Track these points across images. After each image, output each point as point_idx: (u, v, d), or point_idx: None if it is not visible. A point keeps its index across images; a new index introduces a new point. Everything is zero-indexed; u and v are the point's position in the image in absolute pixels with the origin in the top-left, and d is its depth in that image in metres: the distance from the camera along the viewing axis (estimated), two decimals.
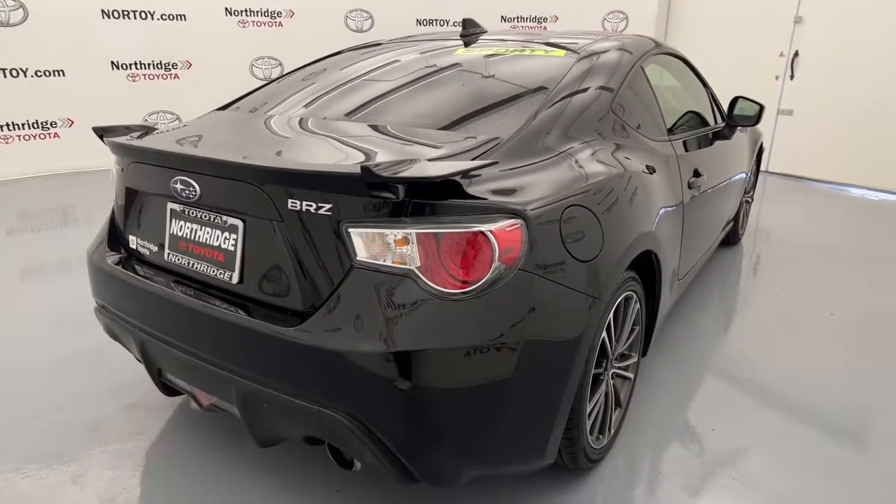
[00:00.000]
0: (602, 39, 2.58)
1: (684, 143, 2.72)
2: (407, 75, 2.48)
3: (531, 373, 1.62)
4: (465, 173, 1.55)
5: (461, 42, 2.74)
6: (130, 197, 2.07)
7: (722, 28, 6.99)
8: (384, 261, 1.54)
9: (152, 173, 1.93)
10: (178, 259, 1.92)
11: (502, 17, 8.39)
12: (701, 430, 2.34)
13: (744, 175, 3.97)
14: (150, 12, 7.20)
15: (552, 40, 2.61)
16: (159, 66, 7.48)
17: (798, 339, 3.13)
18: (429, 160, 1.68)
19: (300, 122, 2.23)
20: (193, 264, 1.89)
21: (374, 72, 2.61)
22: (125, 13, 7.06)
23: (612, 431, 2.17)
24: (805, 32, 6.34)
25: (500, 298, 1.53)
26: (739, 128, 3.56)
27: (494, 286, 1.52)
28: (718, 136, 3.25)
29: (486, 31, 2.91)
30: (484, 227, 1.51)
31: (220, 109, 2.65)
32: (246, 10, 7.61)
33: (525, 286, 1.56)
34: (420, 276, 1.51)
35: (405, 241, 1.51)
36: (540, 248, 1.58)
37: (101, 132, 2.20)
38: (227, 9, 7.55)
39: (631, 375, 2.31)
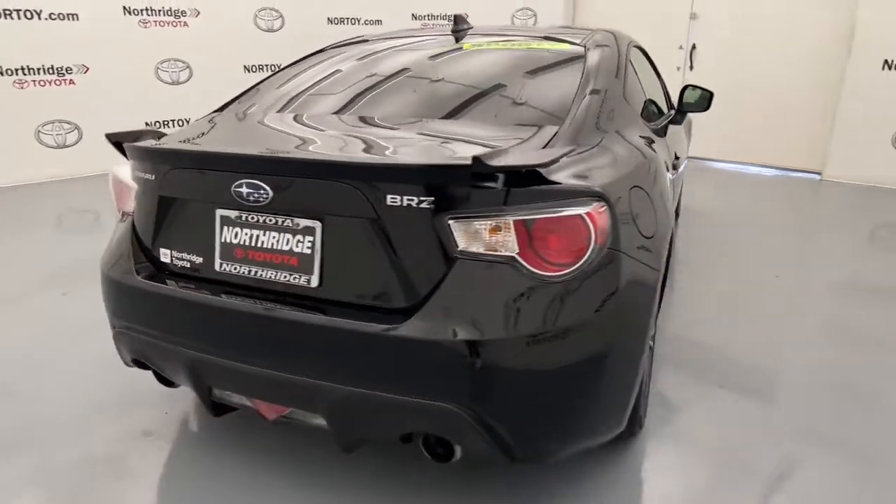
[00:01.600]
0: (590, 33, 2.73)
1: (661, 128, 2.96)
2: (435, 71, 2.50)
3: (620, 345, 1.75)
4: (558, 160, 1.62)
5: (460, 37, 2.78)
6: (164, 207, 1.94)
7: (624, 24, 7.44)
8: (485, 249, 1.58)
9: (202, 179, 1.84)
10: (235, 268, 1.83)
11: (413, 14, 8.49)
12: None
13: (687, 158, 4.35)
14: (36, 11, 6.63)
15: (548, 34, 2.74)
16: (50, 70, 6.91)
17: (752, 298, 3.52)
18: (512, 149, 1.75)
19: (353, 120, 2.19)
20: (256, 272, 1.80)
21: (401, 70, 2.59)
22: (6, 13, 6.46)
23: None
24: (700, 27, 6.96)
25: (596, 278, 1.63)
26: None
27: (591, 266, 1.61)
28: (673, 121, 3.55)
29: (472, 28, 2.99)
30: (581, 210, 1.59)
31: (219, 110, 2.55)
32: (147, 9, 7.18)
33: (613, 264, 1.67)
34: (521, 261, 1.58)
35: (504, 228, 1.57)
36: (620, 228, 1.69)
37: (117, 139, 2.03)
38: (125, 7, 7.09)
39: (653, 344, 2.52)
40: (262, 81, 2.77)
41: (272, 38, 7.80)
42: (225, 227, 1.83)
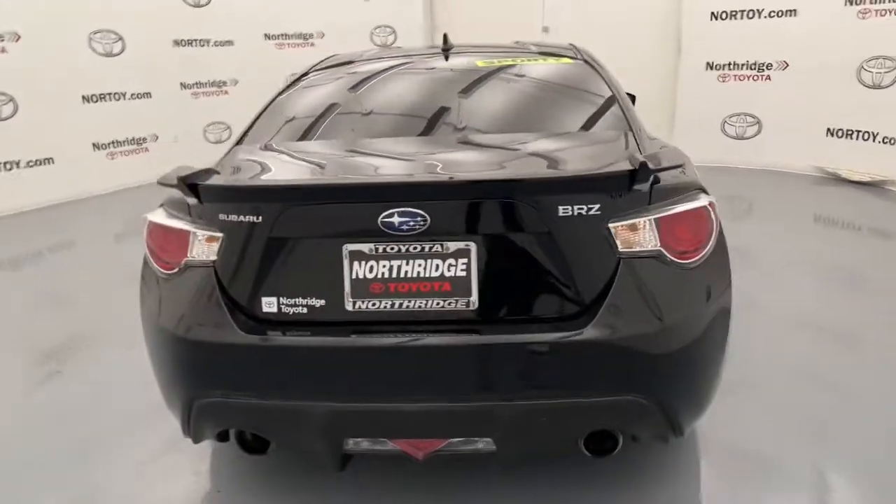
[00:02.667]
0: (570, 46, 3.03)
1: None
2: (479, 88, 2.57)
3: (728, 320, 1.94)
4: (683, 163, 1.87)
5: (448, 55, 2.90)
6: (272, 251, 1.77)
7: (482, 39, 8.04)
8: (638, 248, 1.73)
9: (331, 214, 1.75)
10: (372, 305, 1.74)
11: (265, 34, 8.27)
12: None
13: None
14: None
15: (542, 50, 2.95)
16: None
17: None
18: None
19: (452, 140, 2.25)
20: (401, 304, 1.73)
21: (446, 88, 2.65)
22: None
23: None
24: (552, 40, 7.70)
25: (716, 259, 1.86)
26: None
27: (713, 250, 1.83)
28: None
29: (454, 46, 3.06)
30: (705, 202, 1.83)
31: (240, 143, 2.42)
32: None
33: (722, 246, 1.90)
34: (665, 253, 1.75)
35: (651, 225, 1.74)
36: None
37: (193, 181, 1.75)
38: None
39: None
40: (262, 113, 2.60)
41: (112, 62, 7.09)
42: (356, 263, 1.73)
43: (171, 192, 1.94)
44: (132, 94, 7.32)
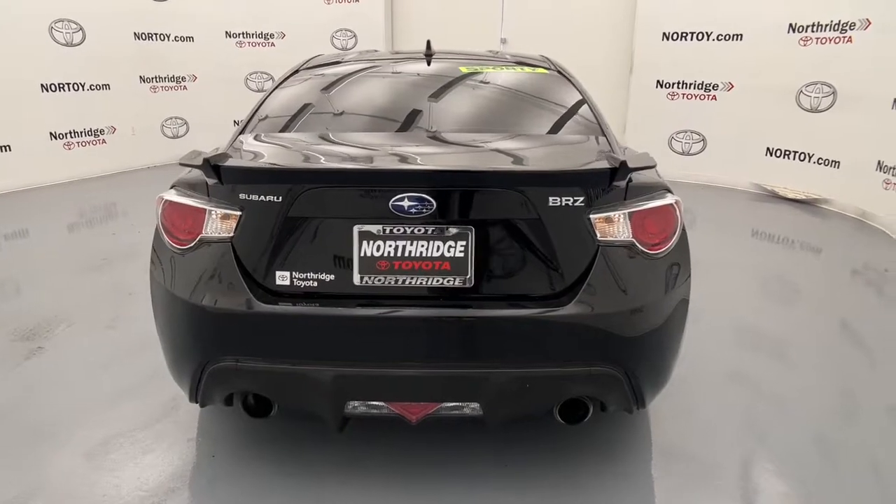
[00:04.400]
0: (542, 57, 3.23)
1: None
2: (463, 91, 2.78)
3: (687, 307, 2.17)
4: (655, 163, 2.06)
5: (430, 60, 3.04)
6: (288, 228, 1.93)
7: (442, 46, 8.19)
8: (613, 237, 1.95)
9: (344, 196, 1.92)
10: (378, 280, 1.91)
11: (226, 32, 8.26)
12: None
13: None
14: None
15: (519, 60, 3.13)
16: None
17: None
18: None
19: (447, 137, 2.40)
20: (404, 280, 1.91)
21: (438, 90, 2.78)
22: None
23: None
24: (509, 51, 7.88)
25: (680, 253, 2.09)
26: None
27: (677, 242, 2.06)
28: None
29: (436, 52, 3.20)
30: (671, 200, 2.05)
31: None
32: None
33: (684, 239, 2.12)
34: (637, 244, 1.98)
35: (625, 218, 1.96)
36: None
37: (216, 162, 1.92)
38: None
39: None
40: (261, 105, 2.72)
41: (74, 52, 7.02)
42: (364, 242, 1.90)
43: (182, 173, 2.16)
44: (91, 86, 7.27)
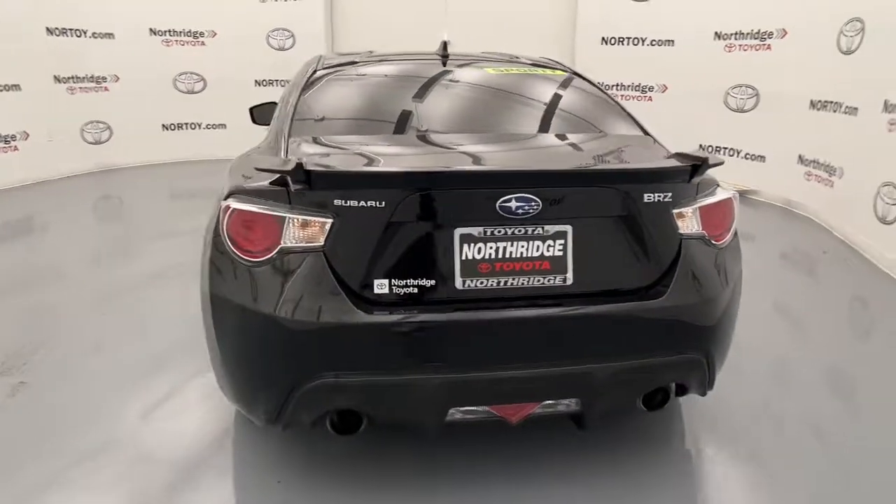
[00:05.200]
0: (549, 59, 3.35)
1: None
2: (508, 92, 2.81)
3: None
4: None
5: (445, 61, 3.06)
6: (388, 235, 1.86)
7: (382, 49, 8.13)
8: (690, 230, 2.08)
9: (449, 199, 1.90)
10: (480, 283, 1.90)
11: (151, 29, 7.72)
12: None
13: None
14: None
15: (534, 62, 3.23)
16: None
17: None
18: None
19: (510, 137, 2.45)
20: (506, 282, 1.91)
21: (470, 90, 2.83)
22: None
23: None
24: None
25: (736, 243, 2.28)
26: None
27: (734, 234, 2.24)
28: None
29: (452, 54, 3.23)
30: (731, 194, 2.21)
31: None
32: None
33: (736, 233, 2.30)
34: (707, 236, 2.12)
35: (696, 212, 2.09)
36: None
37: (312, 175, 1.80)
38: None
39: None
40: (295, 110, 2.55)
41: None
42: (465, 245, 1.88)
43: (240, 180, 2.04)
44: None
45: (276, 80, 7.98)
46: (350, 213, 1.83)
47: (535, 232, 1.90)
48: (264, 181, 1.94)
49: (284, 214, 1.86)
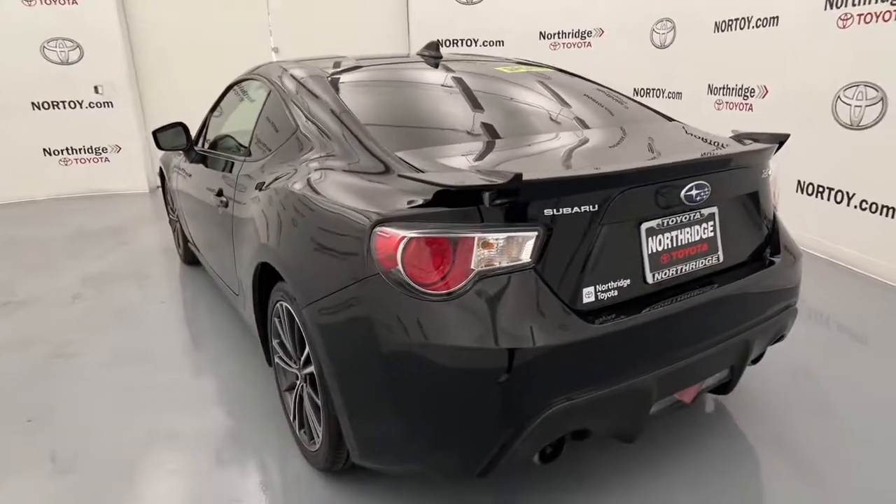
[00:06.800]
0: (522, 59, 3.37)
1: None
2: (529, 90, 2.78)
3: None
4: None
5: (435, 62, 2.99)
6: (597, 240, 1.77)
7: (206, 60, 7.13)
8: (774, 200, 2.34)
9: (645, 195, 1.85)
10: (664, 274, 1.92)
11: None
12: None
13: None
14: None
15: (520, 60, 3.28)
16: None
17: None
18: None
19: (604, 132, 2.45)
20: (681, 269, 1.96)
21: (512, 90, 2.75)
22: None
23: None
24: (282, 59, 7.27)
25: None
26: None
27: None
28: None
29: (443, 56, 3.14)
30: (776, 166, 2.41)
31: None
32: None
33: None
34: (775, 202, 2.39)
35: (773, 182, 2.34)
36: None
37: (516, 184, 1.59)
38: None
39: None
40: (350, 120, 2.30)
41: None
42: (650, 239, 1.89)
43: (382, 206, 1.79)
44: None
45: (62, 102, 6.53)
46: (561, 222, 1.71)
47: (695, 217, 1.98)
48: (405, 202, 1.74)
49: (478, 234, 1.65)
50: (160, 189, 5.13)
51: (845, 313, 3.64)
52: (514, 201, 1.64)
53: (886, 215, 4.00)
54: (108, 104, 6.98)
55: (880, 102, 3.96)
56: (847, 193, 4.31)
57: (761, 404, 2.66)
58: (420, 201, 1.71)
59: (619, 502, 2.12)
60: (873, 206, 4.11)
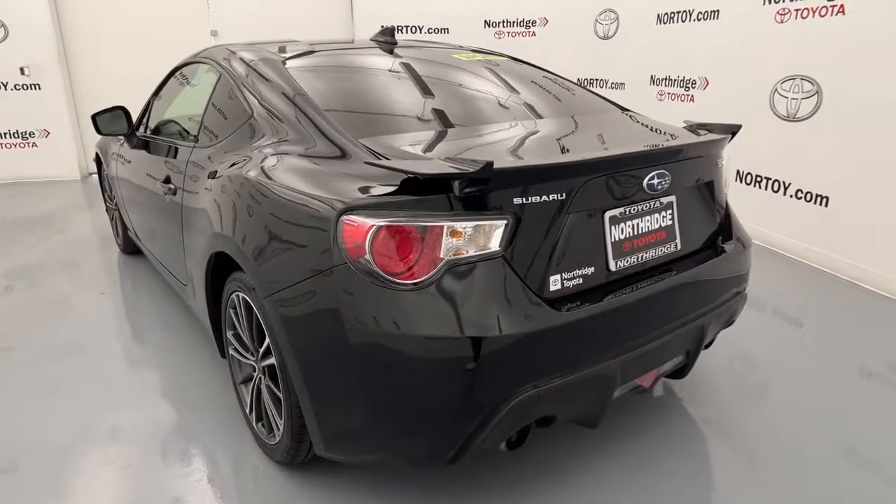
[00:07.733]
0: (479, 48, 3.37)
1: None
2: (484, 78, 2.76)
3: None
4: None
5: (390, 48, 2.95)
6: (564, 228, 1.78)
7: (146, 43, 6.82)
8: (726, 187, 2.42)
9: (608, 185, 1.86)
10: (626, 262, 1.95)
11: None
12: None
13: None
14: None
15: (476, 48, 3.26)
16: None
17: None
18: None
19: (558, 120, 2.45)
20: (641, 257, 2.00)
21: (471, 78, 2.72)
22: None
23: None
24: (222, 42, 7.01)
25: None
26: None
27: None
28: None
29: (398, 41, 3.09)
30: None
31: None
32: None
33: None
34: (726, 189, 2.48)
35: (723, 170, 2.42)
36: None
37: (487, 172, 1.58)
38: None
39: None
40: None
41: None
42: (612, 227, 1.91)
43: (350, 193, 1.74)
44: None
45: None
46: (529, 211, 1.71)
47: (655, 205, 2.01)
48: (370, 190, 1.72)
49: (447, 223, 1.63)
50: (96, 176, 4.89)
51: (782, 298, 3.80)
52: (483, 189, 1.63)
53: (820, 204, 4.19)
54: (36, 86, 6.62)
55: (815, 95, 4.14)
56: (784, 183, 4.50)
57: (703, 387, 2.76)
58: (387, 189, 1.68)
59: (587, 488, 2.15)
60: (808, 196, 4.30)
